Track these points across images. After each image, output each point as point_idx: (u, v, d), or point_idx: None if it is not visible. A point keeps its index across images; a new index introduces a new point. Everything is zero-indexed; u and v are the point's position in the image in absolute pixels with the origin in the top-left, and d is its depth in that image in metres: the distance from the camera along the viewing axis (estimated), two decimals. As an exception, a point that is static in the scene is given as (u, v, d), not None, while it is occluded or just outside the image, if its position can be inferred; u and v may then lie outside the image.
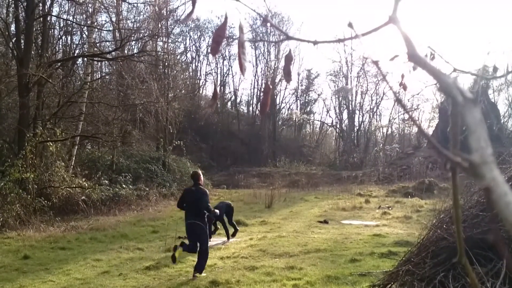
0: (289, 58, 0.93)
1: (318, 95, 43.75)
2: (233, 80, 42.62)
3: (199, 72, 42.01)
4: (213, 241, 10.21)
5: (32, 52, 15.71)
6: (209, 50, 34.65)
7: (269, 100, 0.95)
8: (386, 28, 0.65)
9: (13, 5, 16.26)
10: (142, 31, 19.57)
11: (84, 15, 20.63)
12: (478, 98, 0.51)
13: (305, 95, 44.07)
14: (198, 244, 7.27)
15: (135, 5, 21.59)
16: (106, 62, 21.49)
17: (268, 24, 0.76)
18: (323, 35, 42.16)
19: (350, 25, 0.65)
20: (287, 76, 0.90)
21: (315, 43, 0.72)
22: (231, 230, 10.72)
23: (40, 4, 16.25)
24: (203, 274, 7.14)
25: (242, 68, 0.84)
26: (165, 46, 25.10)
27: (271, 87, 0.93)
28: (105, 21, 23.68)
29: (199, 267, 7.18)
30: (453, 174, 0.52)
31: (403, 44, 0.58)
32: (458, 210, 0.54)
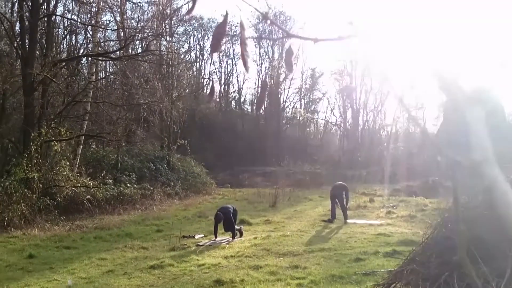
0: (289, 52, 0.94)
1: (323, 94, 43.65)
2: (237, 79, 42.68)
3: (203, 71, 41.95)
4: (218, 240, 10.23)
5: (37, 52, 15.79)
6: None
7: (265, 96, 0.96)
8: (388, 27, 0.65)
9: (17, 5, 16.33)
10: (146, 31, 19.54)
11: (88, 15, 20.65)
12: (480, 97, 0.50)
13: (309, 94, 43.99)
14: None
15: (139, 4, 21.64)
16: (110, 61, 21.55)
17: (268, 21, 0.76)
18: (327, 34, 41.94)
19: (350, 23, 0.64)
20: (289, 66, 0.92)
21: (315, 41, 0.72)
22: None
23: (45, 4, 16.31)
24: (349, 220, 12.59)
25: (245, 65, 0.84)
26: (169, 45, 25.10)
27: (268, 83, 0.94)
28: (109, 20, 23.77)
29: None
30: (454, 173, 0.52)
31: (405, 44, 0.57)
32: (458, 209, 0.53)
